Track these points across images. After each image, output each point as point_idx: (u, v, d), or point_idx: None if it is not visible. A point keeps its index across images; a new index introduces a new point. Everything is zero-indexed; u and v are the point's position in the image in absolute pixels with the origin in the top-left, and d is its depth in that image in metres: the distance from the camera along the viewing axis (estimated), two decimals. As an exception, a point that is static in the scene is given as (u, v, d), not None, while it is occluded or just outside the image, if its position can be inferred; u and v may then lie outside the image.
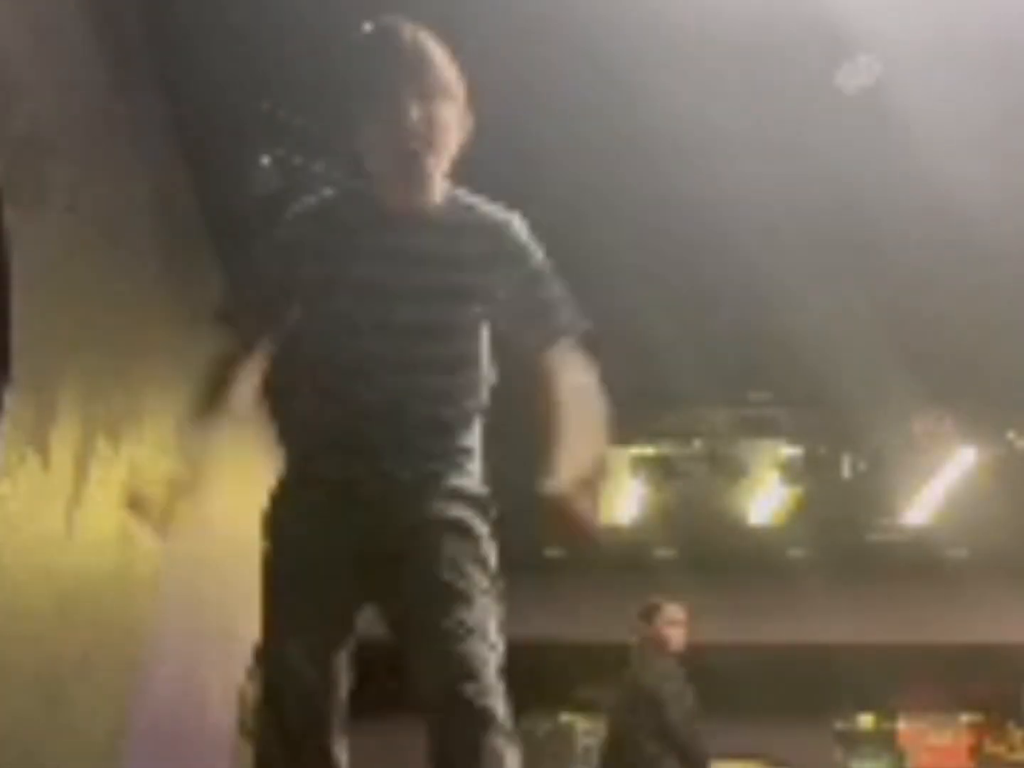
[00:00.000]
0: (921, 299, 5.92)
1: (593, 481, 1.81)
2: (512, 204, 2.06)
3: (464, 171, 2.03)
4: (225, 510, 4.28)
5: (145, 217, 4.64)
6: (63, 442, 3.81)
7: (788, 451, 7.83)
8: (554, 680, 9.72)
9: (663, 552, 9.48)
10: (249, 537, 2.15)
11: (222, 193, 5.02)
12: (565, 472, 1.80)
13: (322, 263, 1.98)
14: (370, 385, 1.95)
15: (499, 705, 1.71)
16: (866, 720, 11.44)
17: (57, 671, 3.78)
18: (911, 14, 4.17)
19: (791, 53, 4.39)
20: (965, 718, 11.27)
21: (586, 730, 10.94)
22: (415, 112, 1.88)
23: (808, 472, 7.88)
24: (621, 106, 4.59)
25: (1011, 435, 7.44)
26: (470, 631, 1.76)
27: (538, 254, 2.04)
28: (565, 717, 11.20)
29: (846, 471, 7.82)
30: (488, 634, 1.78)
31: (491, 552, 1.92)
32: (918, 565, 9.28)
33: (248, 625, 2.28)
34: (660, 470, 7.89)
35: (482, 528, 1.93)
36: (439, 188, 1.98)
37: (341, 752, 1.85)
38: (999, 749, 11.07)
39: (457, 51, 1.97)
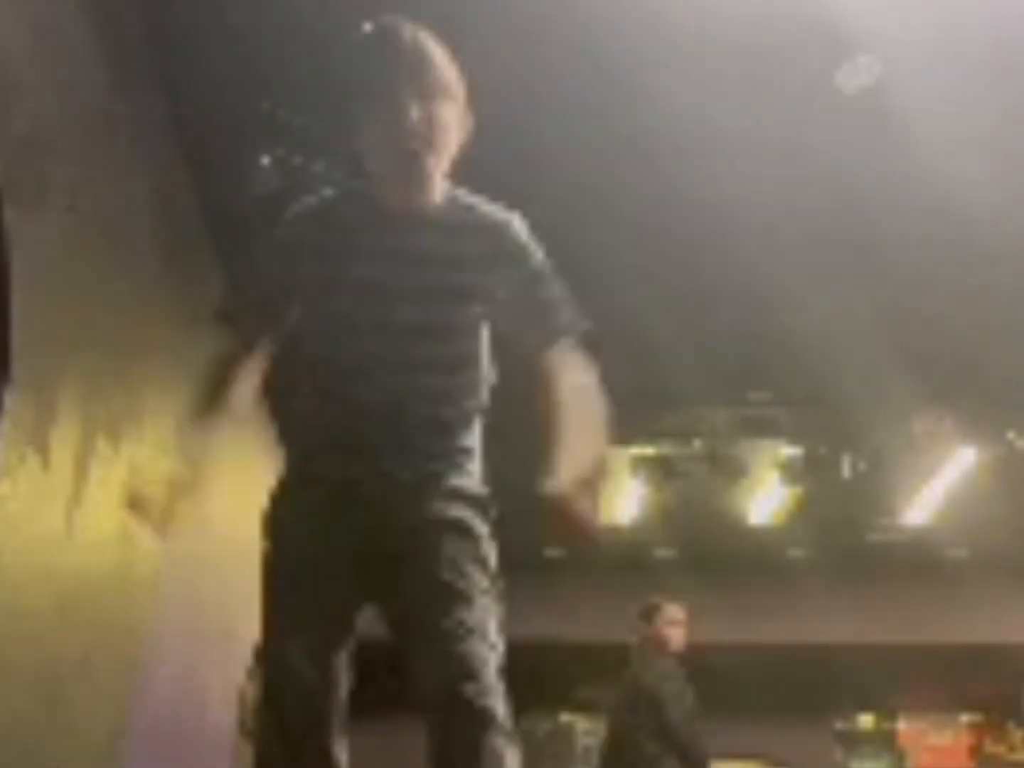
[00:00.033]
0: (921, 299, 5.92)
1: (593, 481, 1.81)
2: (512, 204, 2.06)
3: (464, 171, 2.03)
4: (225, 510, 4.28)
5: (145, 217, 4.64)
6: (63, 442, 3.81)
7: (788, 451, 7.83)
8: (554, 680, 9.72)
9: (663, 552, 9.48)
10: (249, 537, 2.15)
11: (222, 193, 5.02)
12: (565, 472, 1.80)
13: (322, 263, 1.97)
14: (370, 385, 1.95)
15: (499, 705, 1.71)
16: (866, 720, 11.43)
17: (57, 671, 3.78)
18: (911, 14, 4.17)
19: (791, 53, 4.39)
20: (965, 718, 11.26)
21: (586, 730, 10.93)
22: (415, 112, 1.88)
23: (808, 472, 7.88)
24: (621, 106, 4.59)
25: (1011, 435, 7.44)
26: (470, 631, 1.76)
27: (538, 254, 2.04)
28: (565, 717, 11.19)
29: (846, 471, 7.82)
30: (488, 634, 1.78)
31: (491, 552, 1.92)
32: (918, 565, 9.28)
33: (248, 625, 2.28)
34: (660, 470, 7.89)
35: (482, 528, 1.93)
36: (439, 188, 1.98)
37: (341, 752, 1.85)
38: (999, 749, 11.06)
39: (457, 51, 1.97)
